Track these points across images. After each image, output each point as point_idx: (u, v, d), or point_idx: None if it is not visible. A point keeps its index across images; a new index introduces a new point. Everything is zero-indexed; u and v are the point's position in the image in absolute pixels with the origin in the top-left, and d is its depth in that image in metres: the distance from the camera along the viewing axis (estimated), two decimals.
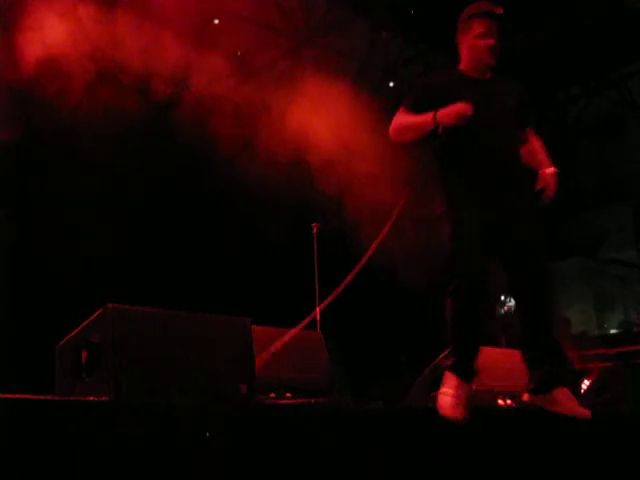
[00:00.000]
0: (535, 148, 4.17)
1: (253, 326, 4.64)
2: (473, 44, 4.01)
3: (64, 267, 6.15)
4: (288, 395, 4.82)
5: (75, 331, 4.01)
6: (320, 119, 6.54)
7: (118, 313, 3.79)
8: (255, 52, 6.76)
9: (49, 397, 3.64)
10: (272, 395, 4.88)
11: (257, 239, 7.39)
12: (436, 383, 5.58)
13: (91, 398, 3.55)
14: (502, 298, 9.53)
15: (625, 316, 12.11)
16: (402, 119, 3.97)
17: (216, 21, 7.99)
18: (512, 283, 3.90)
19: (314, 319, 6.60)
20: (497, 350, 5.87)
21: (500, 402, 5.42)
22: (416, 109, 3.92)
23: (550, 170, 4.03)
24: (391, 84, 10.02)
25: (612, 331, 12.07)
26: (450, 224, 3.86)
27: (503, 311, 9.46)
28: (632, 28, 9.59)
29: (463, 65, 4.11)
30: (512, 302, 9.39)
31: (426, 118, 3.82)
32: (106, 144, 6.26)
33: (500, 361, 5.60)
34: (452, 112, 3.75)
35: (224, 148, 6.33)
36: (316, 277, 6.51)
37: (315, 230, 6.61)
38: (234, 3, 7.27)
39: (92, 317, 3.89)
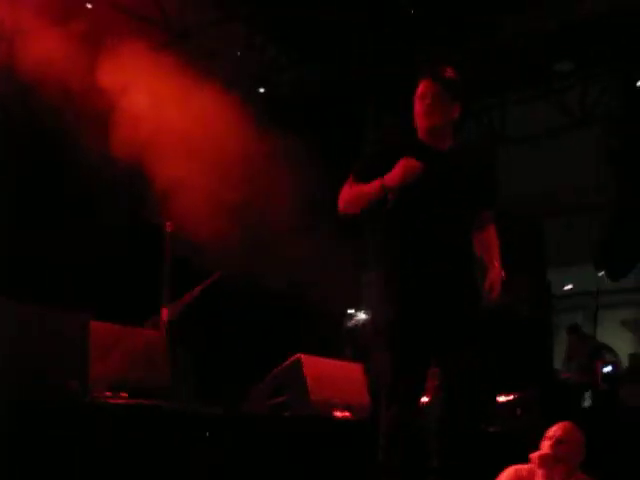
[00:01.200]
0: (488, 240, 3.81)
1: (94, 322, 4.51)
2: (415, 107, 3.71)
3: None
4: (124, 395, 4.69)
5: None
6: (171, 111, 6.45)
7: None
8: (122, 40, 6.55)
9: None
10: (108, 394, 4.74)
11: (100, 231, 7.12)
12: (274, 392, 5.62)
13: None
14: (349, 311, 9.69)
15: None
16: (350, 190, 3.65)
17: (89, 5, 7.77)
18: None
19: (161, 321, 6.45)
20: (336, 362, 5.95)
21: (337, 414, 5.50)
22: (363, 178, 3.60)
23: (499, 273, 3.66)
24: (261, 90, 10.00)
25: None
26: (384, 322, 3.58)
27: (350, 324, 9.61)
28: (501, 61, 9.94)
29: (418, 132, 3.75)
30: (359, 315, 9.57)
31: (374, 185, 3.50)
32: None
33: (339, 373, 5.68)
34: (397, 170, 3.42)
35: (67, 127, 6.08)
36: (166, 276, 6.37)
37: (168, 228, 6.47)
38: None
39: None
